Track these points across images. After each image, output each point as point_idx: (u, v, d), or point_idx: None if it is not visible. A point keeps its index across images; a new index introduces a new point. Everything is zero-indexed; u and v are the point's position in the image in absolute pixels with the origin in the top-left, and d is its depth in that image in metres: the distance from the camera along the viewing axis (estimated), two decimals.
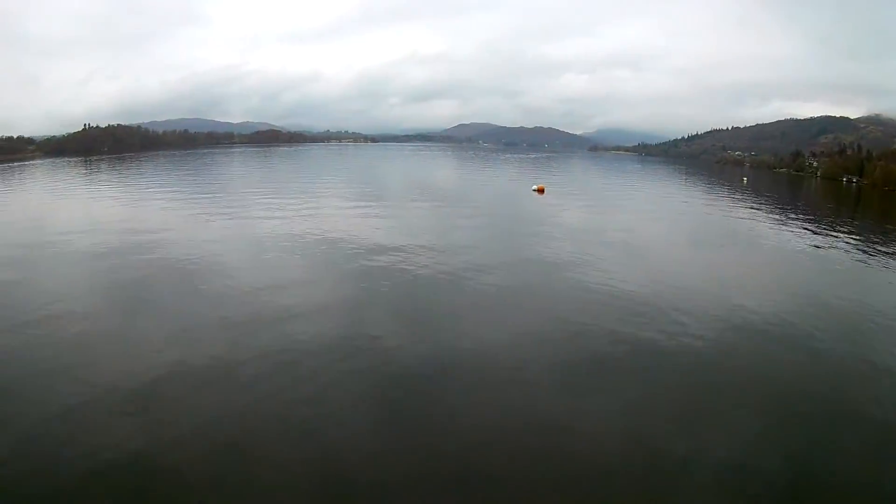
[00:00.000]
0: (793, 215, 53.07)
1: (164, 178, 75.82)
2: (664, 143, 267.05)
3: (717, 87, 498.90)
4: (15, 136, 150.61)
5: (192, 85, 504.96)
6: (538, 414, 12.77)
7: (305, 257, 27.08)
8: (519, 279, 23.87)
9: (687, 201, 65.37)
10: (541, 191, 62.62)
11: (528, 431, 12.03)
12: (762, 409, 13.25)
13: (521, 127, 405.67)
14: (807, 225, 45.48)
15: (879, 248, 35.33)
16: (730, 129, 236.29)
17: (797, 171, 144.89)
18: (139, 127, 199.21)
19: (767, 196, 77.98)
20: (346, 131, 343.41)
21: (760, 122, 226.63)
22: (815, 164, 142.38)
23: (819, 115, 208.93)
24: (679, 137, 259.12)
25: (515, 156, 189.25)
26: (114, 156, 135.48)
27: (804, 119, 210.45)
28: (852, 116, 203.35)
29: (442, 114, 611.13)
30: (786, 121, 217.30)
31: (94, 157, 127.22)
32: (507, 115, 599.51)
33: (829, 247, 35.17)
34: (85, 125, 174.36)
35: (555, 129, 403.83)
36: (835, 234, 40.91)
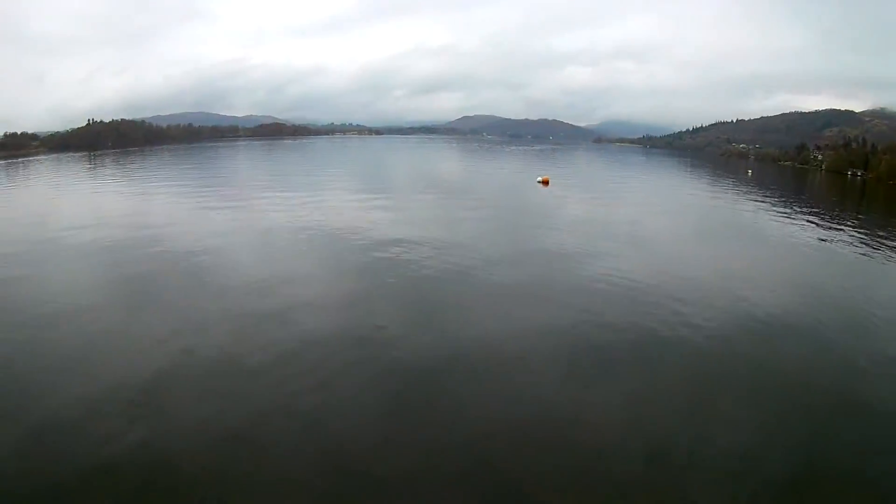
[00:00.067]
0: (797, 208, 52.78)
1: (169, 172, 75.78)
2: (668, 136, 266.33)
3: (721, 80, 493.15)
4: (19, 133, 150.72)
5: (197, 79, 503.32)
6: (543, 405, 12.82)
7: (310, 249, 27.13)
8: (523, 271, 23.88)
9: (692, 193, 65.17)
10: (545, 182, 62.51)
11: (533, 422, 12.08)
12: (767, 400, 13.29)
13: (526, 119, 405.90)
14: (811, 218, 45.27)
15: (884, 241, 35.20)
16: (734, 121, 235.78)
17: (802, 165, 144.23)
18: (143, 122, 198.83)
19: (772, 189, 77.52)
20: (351, 124, 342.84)
21: (765, 115, 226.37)
22: (819, 157, 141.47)
23: (824, 109, 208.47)
24: (683, 130, 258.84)
25: (520, 148, 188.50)
26: (118, 150, 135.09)
27: (809, 112, 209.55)
28: (857, 110, 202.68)
29: (447, 106, 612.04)
30: (790, 114, 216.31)
31: (99, 152, 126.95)
32: (511, 108, 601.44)
33: (833, 240, 35.06)
34: (89, 120, 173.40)
35: (559, 121, 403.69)
36: (839, 227, 40.79)
